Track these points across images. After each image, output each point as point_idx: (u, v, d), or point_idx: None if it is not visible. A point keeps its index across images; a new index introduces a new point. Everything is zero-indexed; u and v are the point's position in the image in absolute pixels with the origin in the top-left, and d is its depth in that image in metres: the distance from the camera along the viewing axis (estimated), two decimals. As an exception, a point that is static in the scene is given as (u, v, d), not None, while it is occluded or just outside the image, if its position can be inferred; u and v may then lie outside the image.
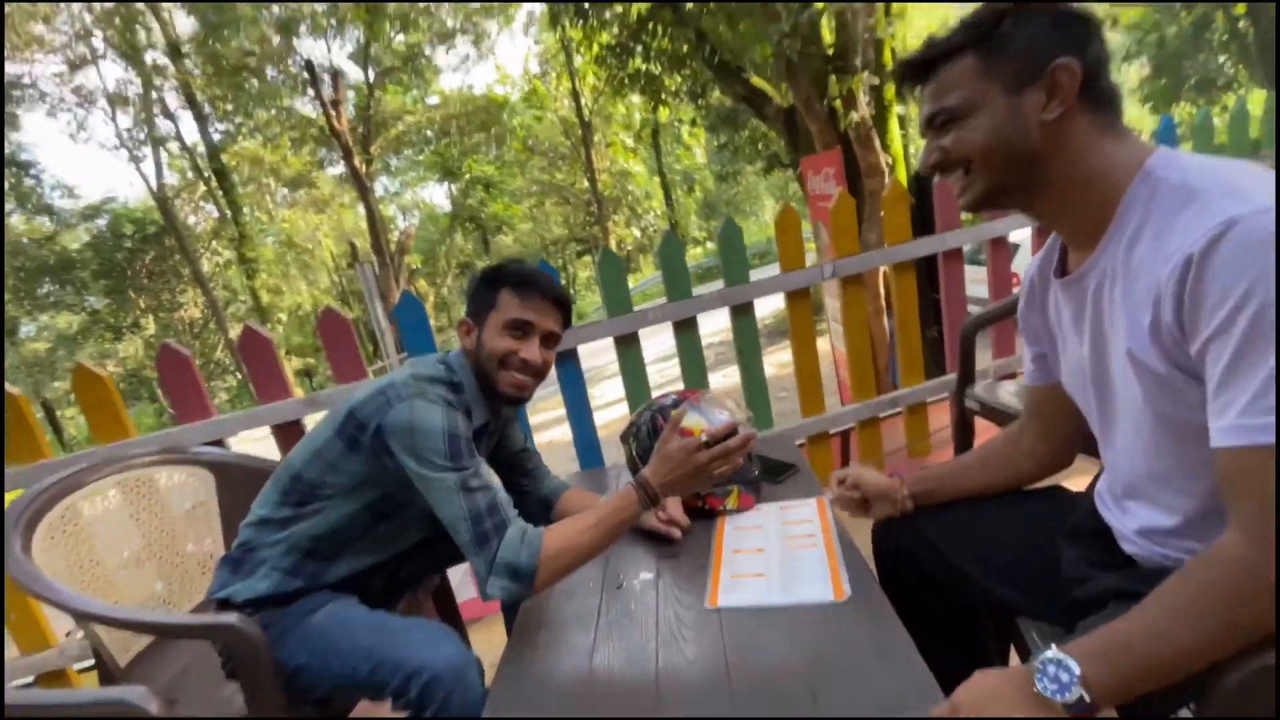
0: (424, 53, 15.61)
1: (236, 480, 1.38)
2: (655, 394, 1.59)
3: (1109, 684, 0.59)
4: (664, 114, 11.58)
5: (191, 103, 16.47)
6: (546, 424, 6.12)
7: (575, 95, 18.41)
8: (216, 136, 17.66)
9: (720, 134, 9.40)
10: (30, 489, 1.15)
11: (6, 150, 17.36)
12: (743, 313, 2.13)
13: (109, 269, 18.64)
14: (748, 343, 2.17)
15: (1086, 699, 0.58)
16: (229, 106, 16.33)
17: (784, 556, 1.07)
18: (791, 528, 1.15)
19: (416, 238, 21.84)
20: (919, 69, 0.75)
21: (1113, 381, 0.74)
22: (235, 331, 19.78)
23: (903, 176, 4.70)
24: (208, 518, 1.36)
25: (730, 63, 5.76)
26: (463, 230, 22.98)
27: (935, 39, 0.73)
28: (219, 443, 1.75)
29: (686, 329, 2.09)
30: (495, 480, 1.02)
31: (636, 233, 22.85)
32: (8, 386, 1.66)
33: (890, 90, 4.54)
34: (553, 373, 1.34)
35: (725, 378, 6.58)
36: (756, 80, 5.77)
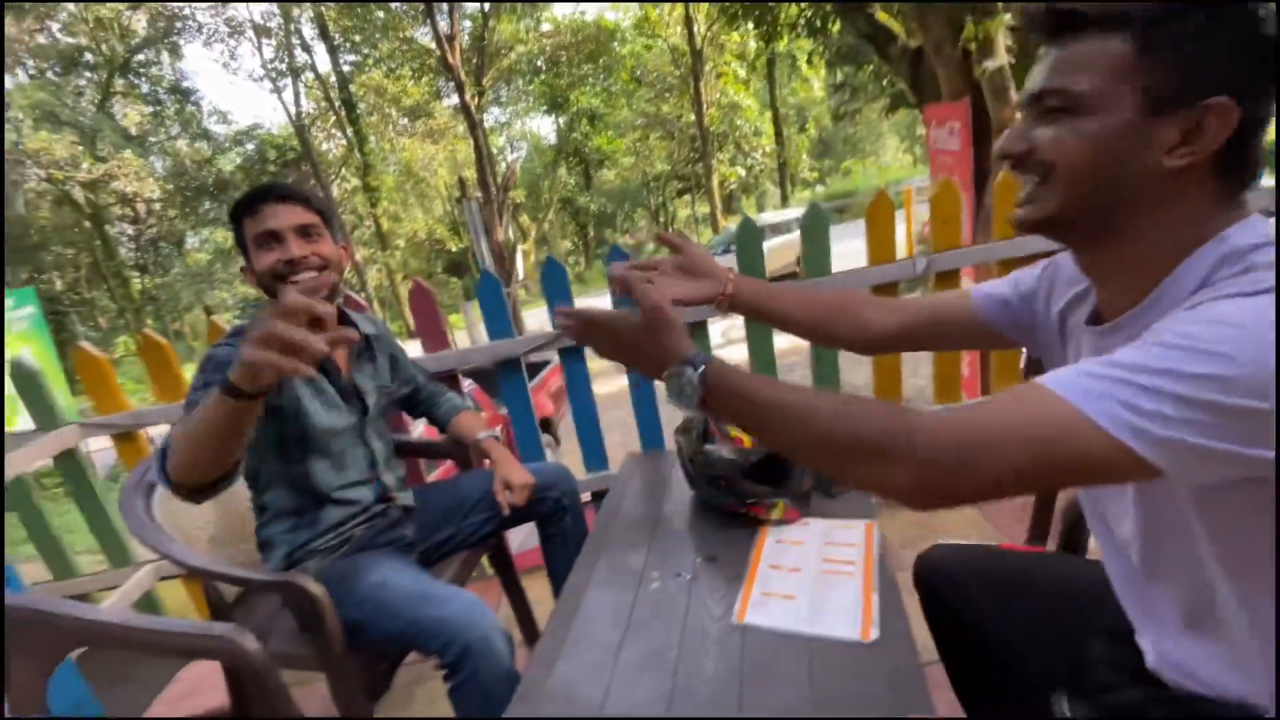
0: (539, -23, 15.32)
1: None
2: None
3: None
4: (781, 44, 10.76)
5: (324, 34, 17.32)
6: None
7: (688, 21, 17.48)
8: (346, 68, 18.57)
9: (839, 70, 8.65)
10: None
11: (170, 76, 19.25)
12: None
13: (256, 191, 20.50)
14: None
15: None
16: (357, 38, 17.03)
17: (818, 580, 1.04)
18: (833, 549, 1.10)
19: (521, 171, 22.19)
20: (1060, 21, 0.58)
21: None
22: (360, 254, 21.39)
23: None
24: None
25: (855, -5, 5.22)
26: (566, 164, 23.05)
27: None
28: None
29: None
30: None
31: (741, 171, 21.87)
32: (151, 332, 1.90)
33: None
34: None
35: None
36: (883, 15, 5.20)
